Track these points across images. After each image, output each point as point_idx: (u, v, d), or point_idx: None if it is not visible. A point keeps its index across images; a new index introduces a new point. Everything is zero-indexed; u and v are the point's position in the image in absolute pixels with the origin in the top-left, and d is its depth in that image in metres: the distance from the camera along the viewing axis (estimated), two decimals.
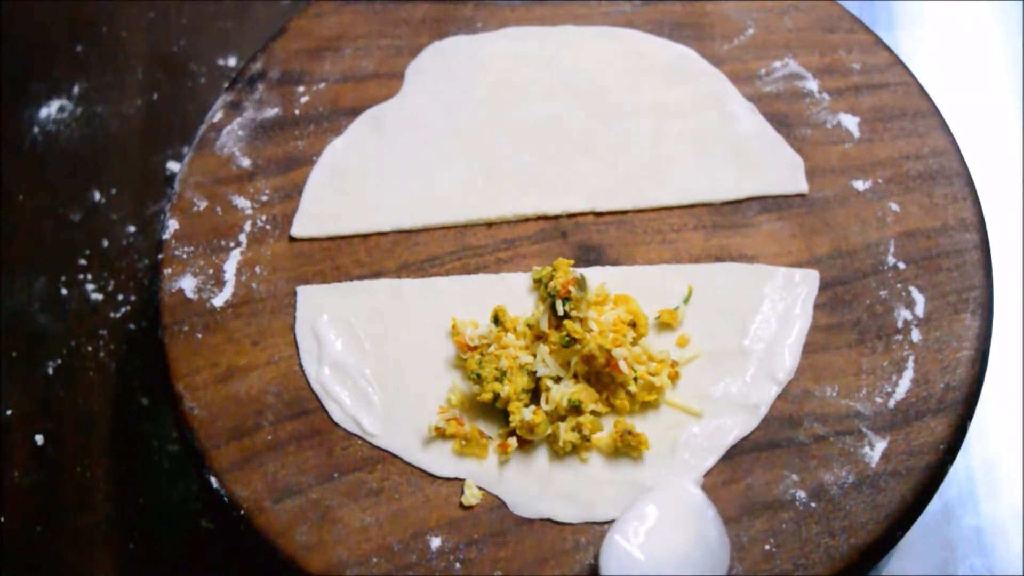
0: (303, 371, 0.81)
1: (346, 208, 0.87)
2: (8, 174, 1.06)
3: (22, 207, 1.05)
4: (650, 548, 0.71)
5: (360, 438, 0.78)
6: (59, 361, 0.97)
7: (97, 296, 1.00)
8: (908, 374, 0.79)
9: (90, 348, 0.97)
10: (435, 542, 0.74)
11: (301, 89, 0.92)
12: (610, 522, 0.74)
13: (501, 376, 0.77)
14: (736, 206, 0.86)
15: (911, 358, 0.79)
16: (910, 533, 0.76)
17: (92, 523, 0.91)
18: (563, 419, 0.77)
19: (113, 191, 1.05)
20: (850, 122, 0.89)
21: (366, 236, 0.86)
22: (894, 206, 0.85)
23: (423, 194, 0.87)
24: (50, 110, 1.09)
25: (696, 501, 0.73)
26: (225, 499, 0.76)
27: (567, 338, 0.77)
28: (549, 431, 0.77)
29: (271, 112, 0.91)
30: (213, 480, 0.77)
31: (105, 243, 1.02)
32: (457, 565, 0.74)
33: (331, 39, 0.95)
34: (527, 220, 0.87)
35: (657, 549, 0.71)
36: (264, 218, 0.87)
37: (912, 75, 0.91)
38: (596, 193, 0.87)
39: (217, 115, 0.91)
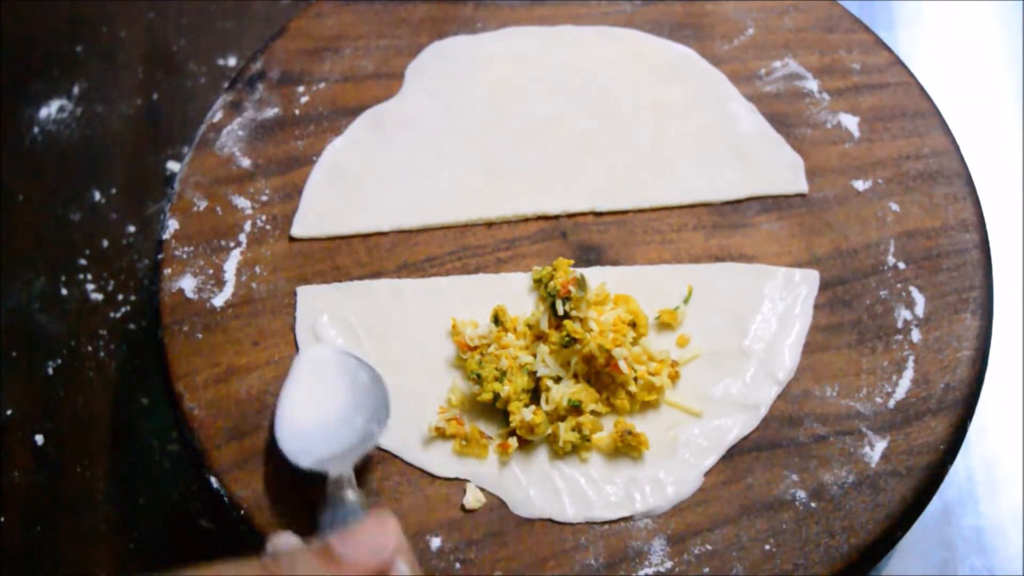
0: None
1: (346, 208, 0.87)
2: (8, 174, 1.06)
3: (22, 207, 1.05)
4: (315, 415, 0.75)
5: None
6: (59, 361, 0.97)
7: (97, 296, 1.00)
8: (908, 374, 0.79)
9: (90, 348, 0.97)
10: (435, 542, 0.74)
11: (301, 89, 0.92)
12: (610, 522, 0.75)
13: (501, 376, 0.77)
14: (736, 206, 0.86)
15: (911, 358, 0.79)
16: (910, 533, 0.76)
17: (92, 523, 0.91)
18: (563, 419, 0.77)
19: (113, 191, 1.05)
20: (850, 122, 0.89)
21: (366, 236, 0.86)
22: (894, 206, 0.85)
23: (423, 194, 0.87)
24: (50, 110, 1.09)
25: (331, 356, 0.77)
26: (225, 499, 0.76)
27: (567, 338, 0.77)
28: (549, 431, 0.77)
29: (271, 112, 0.91)
30: (213, 480, 0.77)
31: (105, 243, 1.02)
32: (457, 565, 0.74)
33: (331, 39, 0.95)
34: (527, 220, 0.87)
35: (322, 412, 0.75)
36: (264, 218, 0.87)
37: (912, 75, 0.91)
38: (596, 193, 0.87)
39: (217, 115, 0.91)
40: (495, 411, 0.78)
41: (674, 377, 0.79)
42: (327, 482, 0.70)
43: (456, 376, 0.80)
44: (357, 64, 0.94)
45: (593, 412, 0.78)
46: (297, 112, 0.91)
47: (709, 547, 0.74)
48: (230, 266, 0.85)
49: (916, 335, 0.80)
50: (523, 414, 0.76)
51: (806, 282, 0.82)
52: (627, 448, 0.76)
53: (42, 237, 1.03)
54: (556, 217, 0.87)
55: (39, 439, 0.94)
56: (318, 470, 0.72)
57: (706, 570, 0.73)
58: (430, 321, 0.82)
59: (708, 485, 0.76)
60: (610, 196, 0.87)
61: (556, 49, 0.94)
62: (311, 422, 0.74)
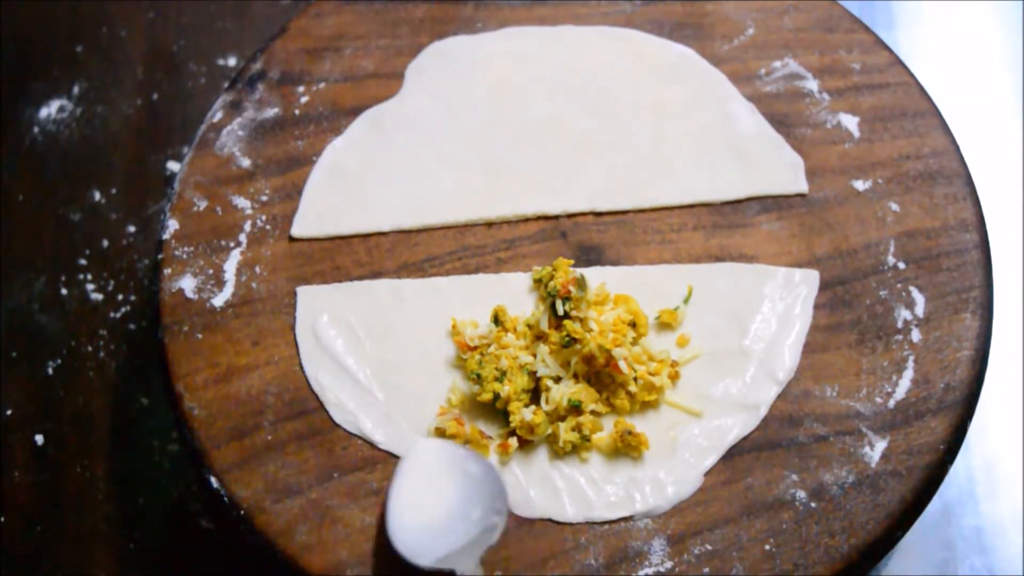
0: (303, 371, 0.81)
1: (346, 208, 0.87)
2: (8, 174, 1.06)
3: (22, 207, 1.05)
4: (429, 511, 0.72)
5: (360, 438, 0.78)
6: (59, 361, 0.97)
7: (97, 296, 1.00)
8: (908, 374, 0.79)
9: (90, 348, 0.97)
10: None
11: (301, 89, 0.92)
12: (610, 522, 0.75)
13: (501, 376, 0.77)
14: (736, 206, 0.86)
15: (911, 358, 0.79)
16: (910, 533, 0.76)
17: (92, 523, 0.91)
18: (563, 419, 0.77)
19: (113, 191, 1.05)
20: (850, 122, 0.89)
21: (366, 236, 0.86)
22: (894, 206, 0.85)
23: (423, 194, 0.87)
24: (50, 110, 1.09)
25: (439, 451, 0.75)
26: (225, 499, 0.76)
27: (567, 338, 0.77)
28: (549, 431, 0.77)
29: (271, 112, 0.91)
30: (213, 480, 0.77)
31: (105, 243, 1.02)
32: None
33: (331, 39, 0.95)
34: (527, 220, 0.87)
35: (436, 508, 0.72)
36: (264, 218, 0.87)
37: (912, 75, 0.91)
38: (596, 193, 0.87)
39: (217, 115, 0.91)
40: (495, 411, 0.78)
41: (674, 377, 0.79)
42: None
43: (456, 376, 0.80)
44: (357, 64, 0.94)
45: (593, 412, 0.78)
46: (297, 112, 0.91)
47: (709, 547, 0.74)
48: (230, 266, 0.85)
49: (916, 335, 0.80)
50: (523, 414, 0.76)
51: (806, 282, 0.82)
52: (627, 448, 0.76)
53: (42, 237, 1.03)
54: (556, 217, 0.87)
55: (39, 439, 0.94)
56: (443, 568, 0.69)
57: (706, 570, 0.73)
58: (430, 321, 0.82)
59: (708, 485, 0.76)
60: (610, 196, 0.87)
61: (556, 49, 0.94)
62: (425, 519, 0.71)
